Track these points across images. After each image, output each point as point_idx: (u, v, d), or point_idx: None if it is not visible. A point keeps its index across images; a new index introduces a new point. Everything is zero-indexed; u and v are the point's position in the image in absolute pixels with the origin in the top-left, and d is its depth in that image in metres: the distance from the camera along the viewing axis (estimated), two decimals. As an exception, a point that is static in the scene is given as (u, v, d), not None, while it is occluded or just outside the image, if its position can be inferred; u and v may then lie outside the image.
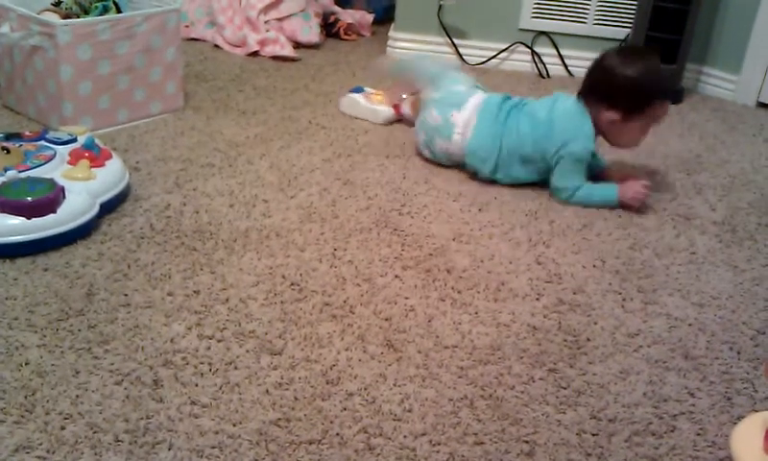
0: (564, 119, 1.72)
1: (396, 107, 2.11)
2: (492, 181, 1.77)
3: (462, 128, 1.78)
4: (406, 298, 1.30)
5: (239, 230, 1.48)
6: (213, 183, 1.66)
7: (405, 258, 1.42)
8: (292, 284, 1.31)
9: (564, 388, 1.11)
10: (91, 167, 1.50)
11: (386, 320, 1.23)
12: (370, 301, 1.28)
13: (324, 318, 1.23)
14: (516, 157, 1.75)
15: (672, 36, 2.46)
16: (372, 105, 2.11)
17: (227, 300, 1.25)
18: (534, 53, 2.73)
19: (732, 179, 1.94)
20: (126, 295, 1.24)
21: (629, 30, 2.62)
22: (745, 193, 1.86)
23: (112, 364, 1.08)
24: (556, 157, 1.70)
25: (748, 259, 1.54)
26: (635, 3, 2.58)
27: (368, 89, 2.18)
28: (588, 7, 2.68)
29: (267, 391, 1.05)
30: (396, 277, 1.36)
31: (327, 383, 1.07)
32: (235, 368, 1.09)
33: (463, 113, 1.78)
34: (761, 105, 2.58)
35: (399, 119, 2.12)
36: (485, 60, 2.73)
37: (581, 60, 2.69)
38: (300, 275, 1.34)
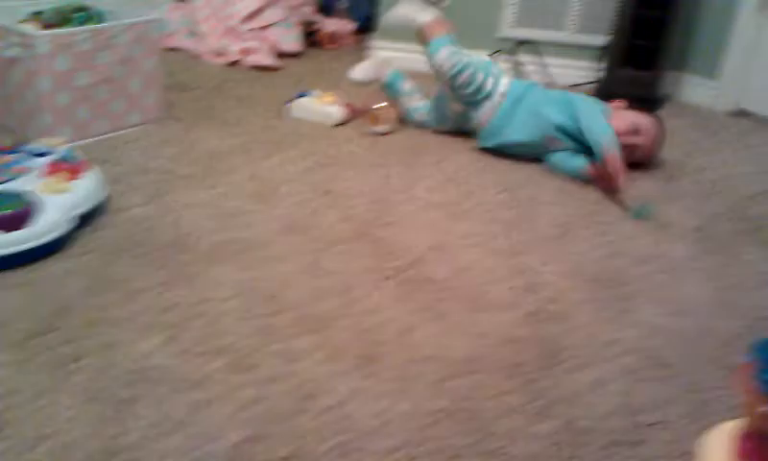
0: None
1: (348, 105, 2.12)
2: (470, 192, 1.78)
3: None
4: (384, 310, 1.30)
5: (218, 241, 1.48)
6: (193, 194, 1.66)
7: (384, 269, 1.43)
8: (269, 297, 1.31)
9: (540, 399, 1.11)
10: (69, 179, 1.49)
11: (363, 332, 1.23)
12: (347, 313, 1.28)
13: (301, 332, 1.22)
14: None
15: (652, 44, 2.48)
16: (323, 106, 2.13)
17: (203, 314, 1.25)
18: (515, 60, 2.74)
19: (710, 185, 1.95)
20: (100, 310, 1.24)
21: (609, 38, 2.64)
22: (722, 200, 1.87)
23: (84, 381, 1.07)
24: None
25: (724, 267, 1.55)
26: (614, 11, 2.60)
27: (315, 92, 2.20)
28: (568, 15, 2.70)
29: (241, 407, 1.04)
30: (375, 288, 1.36)
31: (302, 398, 1.07)
32: (209, 384, 1.09)
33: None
34: (739, 111, 2.60)
35: (352, 118, 2.16)
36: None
37: (561, 68, 2.73)
38: (278, 287, 1.34)
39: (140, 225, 1.51)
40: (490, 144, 2.03)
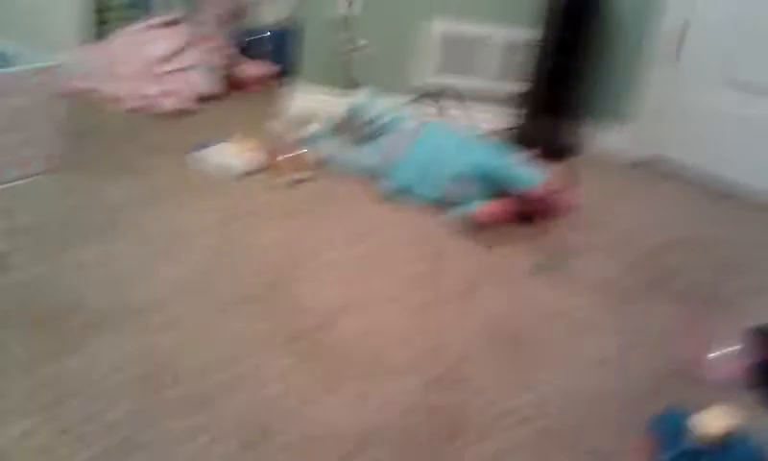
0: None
1: (264, 152, 2.11)
2: (380, 246, 1.77)
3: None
4: (281, 380, 1.26)
5: (112, 304, 1.41)
6: (88, 252, 1.59)
7: (285, 333, 1.39)
8: (159, 370, 1.25)
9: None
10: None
11: (255, 408, 1.19)
12: (241, 385, 1.23)
13: (189, 409, 1.17)
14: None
15: (565, 93, 2.52)
16: (237, 154, 2.10)
17: (85, 388, 1.18)
18: (438, 106, 2.75)
19: (618, 236, 1.98)
20: (-26, 387, 1.16)
21: (525, 86, 2.67)
22: (630, 252, 1.90)
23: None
24: None
25: (628, 323, 1.56)
26: (531, 61, 2.64)
27: (230, 139, 2.16)
28: (487, 64, 2.73)
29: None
30: (272, 356, 1.32)
31: (182, 485, 1.02)
32: (85, 469, 1.03)
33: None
34: (649, 159, 2.65)
35: (268, 167, 2.11)
36: (389, 112, 2.73)
37: (482, 114, 2.75)
38: (170, 357, 1.29)
39: (26, 288, 1.43)
40: (399, 186, 2.03)
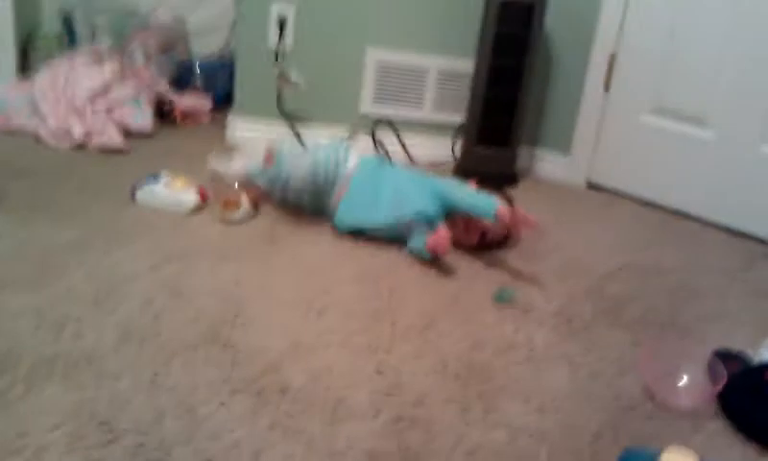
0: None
1: (201, 191, 2.03)
2: (329, 285, 1.71)
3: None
4: (232, 430, 1.18)
5: (44, 357, 1.31)
6: (17, 301, 1.47)
7: (234, 380, 1.31)
8: (101, 423, 1.16)
9: (403, 525, 1.03)
10: None
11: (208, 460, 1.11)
12: (190, 437, 1.15)
13: (139, 463, 1.08)
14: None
15: (505, 122, 2.54)
16: (175, 193, 2.01)
17: (21, 449, 1.08)
18: (375, 138, 2.73)
19: (567, 264, 1.98)
20: None
21: (464, 116, 2.68)
22: (579, 279, 1.90)
23: None
24: None
25: (584, 353, 1.55)
26: (468, 91, 2.65)
27: (165, 176, 2.06)
28: (424, 94, 2.73)
29: None
30: (223, 404, 1.24)
31: None
32: None
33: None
34: (590, 186, 2.70)
35: (206, 205, 2.05)
36: (327, 145, 2.69)
37: (419, 146, 2.75)
38: (112, 410, 1.19)
39: (-50, 343, 1.32)
40: (346, 225, 1.97)
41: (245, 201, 2.00)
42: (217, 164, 2.21)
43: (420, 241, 1.88)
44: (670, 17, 2.43)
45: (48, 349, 1.33)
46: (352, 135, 2.59)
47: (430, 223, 1.90)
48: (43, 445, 1.10)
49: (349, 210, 1.97)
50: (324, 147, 2.05)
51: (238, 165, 2.19)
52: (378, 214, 1.94)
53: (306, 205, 2.03)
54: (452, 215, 1.93)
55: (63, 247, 1.72)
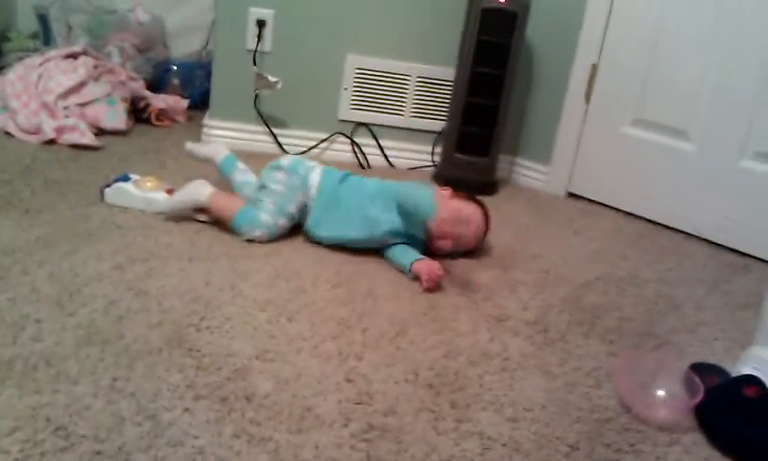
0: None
1: (171, 191, 1.97)
2: (301, 288, 1.66)
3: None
4: (195, 437, 1.13)
5: (1, 360, 1.25)
6: (-25, 301, 1.42)
7: (198, 386, 1.26)
8: (57, 429, 1.10)
9: None
10: None
11: (168, 468, 1.06)
12: (151, 444, 1.10)
13: (94, 471, 1.03)
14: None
15: (484, 130, 2.51)
16: (145, 192, 1.95)
17: (-32, 456, 1.03)
18: (354, 143, 2.70)
19: (544, 274, 1.95)
20: None
21: (443, 123, 2.66)
22: (557, 289, 1.87)
23: None
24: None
25: (560, 363, 1.51)
26: (448, 98, 2.63)
27: (135, 176, 2.01)
28: (404, 101, 2.70)
29: None
30: (186, 410, 1.19)
31: None
32: None
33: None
34: (570, 195, 2.69)
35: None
36: (305, 149, 2.65)
37: (399, 151, 2.72)
38: (70, 415, 1.14)
39: None
40: (319, 236, 1.92)
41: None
42: (194, 148, 2.18)
43: (404, 258, 1.83)
44: (652, 30, 2.43)
45: (5, 351, 1.27)
46: (330, 141, 2.56)
47: (404, 238, 1.88)
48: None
49: (319, 223, 1.91)
50: (288, 157, 2.02)
51: (211, 150, 2.17)
52: (350, 230, 1.88)
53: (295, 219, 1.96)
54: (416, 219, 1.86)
55: (24, 246, 1.66)
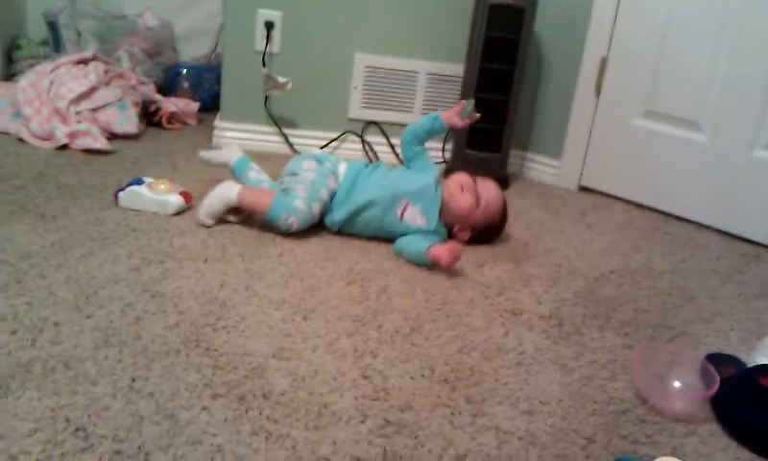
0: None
1: (184, 193, 1.98)
2: (315, 286, 1.67)
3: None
4: (213, 435, 1.14)
5: (20, 362, 1.26)
6: (-6, 306, 1.43)
7: (216, 385, 1.27)
8: (77, 429, 1.12)
9: (388, 533, 0.99)
10: None
11: (188, 467, 1.07)
12: (170, 443, 1.11)
13: (115, 471, 1.04)
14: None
15: (495, 126, 2.51)
16: (159, 195, 1.96)
17: (-8, 458, 1.04)
18: (364, 142, 2.70)
19: (557, 267, 1.95)
20: None
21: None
22: (570, 282, 1.87)
23: None
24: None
25: (575, 356, 1.51)
26: (458, 95, 2.63)
27: (148, 179, 2.02)
28: (413, 99, 2.71)
29: None
30: (204, 409, 1.20)
31: None
32: None
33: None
34: (582, 188, 2.68)
35: (190, 207, 2.00)
36: (317, 149, 2.66)
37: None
38: (89, 416, 1.15)
39: None
40: (338, 220, 1.95)
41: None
42: (207, 155, 2.18)
43: (420, 244, 1.85)
44: (661, 21, 2.42)
45: (24, 353, 1.29)
46: (341, 140, 2.57)
47: (421, 201, 1.94)
48: (17, 451, 1.05)
49: (340, 205, 1.95)
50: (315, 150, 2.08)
51: (225, 155, 2.17)
52: (368, 192, 1.94)
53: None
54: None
55: (43, 249, 1.68)
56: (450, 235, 1.98)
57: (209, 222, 1.91)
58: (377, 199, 1.92)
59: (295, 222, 1.88)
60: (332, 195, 1.95)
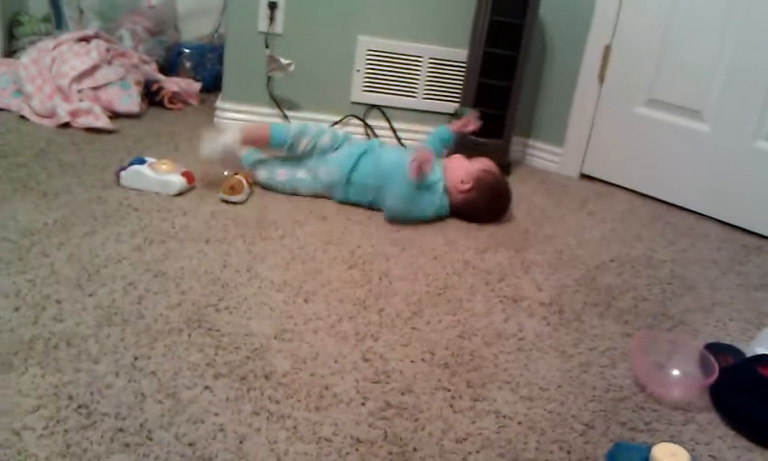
0: None
1: (186, 174, 1.98)
2: (317, 269, 1.67)
3: None
4: (215, 414, 1.15)
5: (22, 339, 1.27)
6: (-3, 283, 1.44)
7: (218, 364, 1.27)
8: (80, 407, 1.12)
9: (389, 514, 1.00)
10: None
11: (189, 445, 1.07)
12: (172, 422, 1.12)
13: (116, 448, 1.05)
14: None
15: (497, 112, 2.50)
16: (161, 175, 1.96)
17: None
18: (366, 125, 2.70)
19: (558, 255, 1.96)
20: None
21: (456, 105, 2.65)
22: (571, 270, 1.87)
23: None
24: None
25: (575, 343, 1.52)
26: (461, 80, 2.62)
27: (150, 159, 2.01)
28: (416, 83, 2.70)
29: None
30: (206, 388, 1.21)
31: None
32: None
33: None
34: (584, 176, 2.68)
35: (192, 188, 2.01)
36: (317, 132, 2.66)
37: (411, 133, 2.71)
38: (91, 393, 1.16)
39: (-76, 322, 1.28)
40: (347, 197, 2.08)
41: (243, 184, 1.97)
42: (203, 147, 2.15)
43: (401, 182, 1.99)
44: (666, 9, 2.41)
45: (27, 331, 1.29)
46: (343, 123, 2.56)
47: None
48: (21, 426, 1.06)
49: (354, 186, 2.09)
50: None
51: (222, 147, 2.14)
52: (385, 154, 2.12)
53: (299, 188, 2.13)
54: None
55: (46, 227, 1.68)
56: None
57: (215, 152, 2.04)
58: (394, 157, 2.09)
59: (297, 132, 2.10)
60: (334, 140, 2.14)
